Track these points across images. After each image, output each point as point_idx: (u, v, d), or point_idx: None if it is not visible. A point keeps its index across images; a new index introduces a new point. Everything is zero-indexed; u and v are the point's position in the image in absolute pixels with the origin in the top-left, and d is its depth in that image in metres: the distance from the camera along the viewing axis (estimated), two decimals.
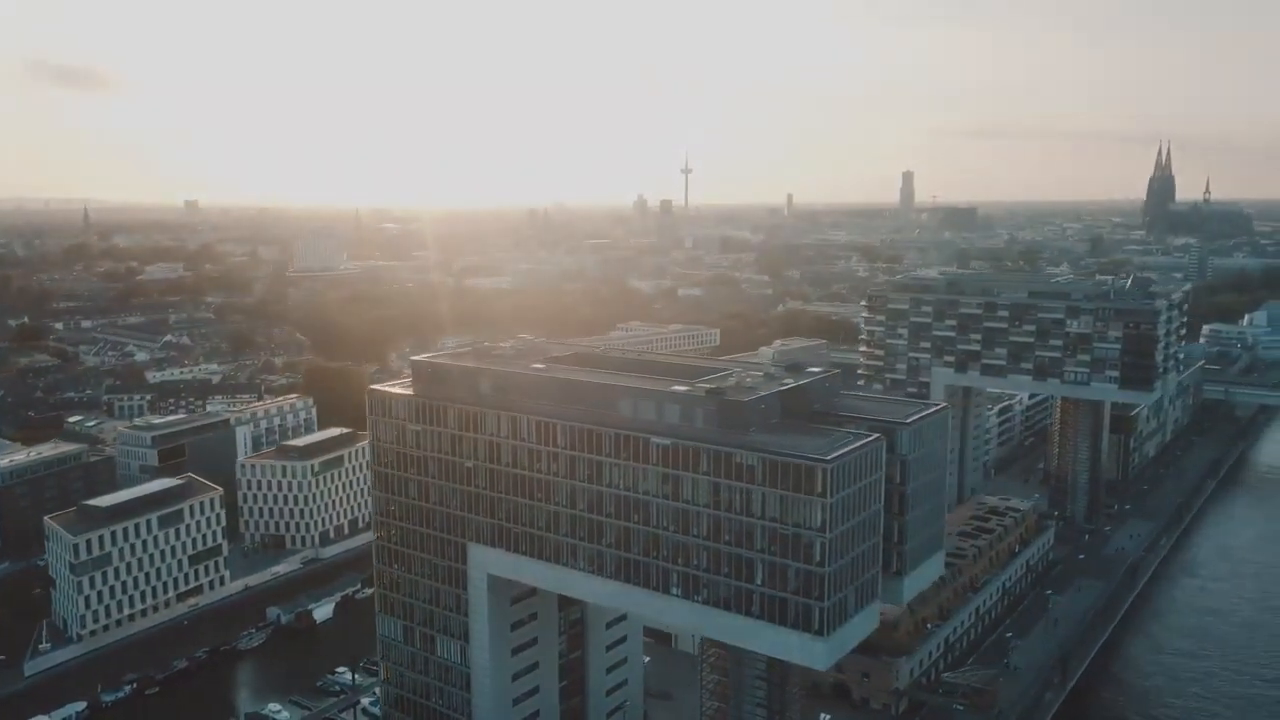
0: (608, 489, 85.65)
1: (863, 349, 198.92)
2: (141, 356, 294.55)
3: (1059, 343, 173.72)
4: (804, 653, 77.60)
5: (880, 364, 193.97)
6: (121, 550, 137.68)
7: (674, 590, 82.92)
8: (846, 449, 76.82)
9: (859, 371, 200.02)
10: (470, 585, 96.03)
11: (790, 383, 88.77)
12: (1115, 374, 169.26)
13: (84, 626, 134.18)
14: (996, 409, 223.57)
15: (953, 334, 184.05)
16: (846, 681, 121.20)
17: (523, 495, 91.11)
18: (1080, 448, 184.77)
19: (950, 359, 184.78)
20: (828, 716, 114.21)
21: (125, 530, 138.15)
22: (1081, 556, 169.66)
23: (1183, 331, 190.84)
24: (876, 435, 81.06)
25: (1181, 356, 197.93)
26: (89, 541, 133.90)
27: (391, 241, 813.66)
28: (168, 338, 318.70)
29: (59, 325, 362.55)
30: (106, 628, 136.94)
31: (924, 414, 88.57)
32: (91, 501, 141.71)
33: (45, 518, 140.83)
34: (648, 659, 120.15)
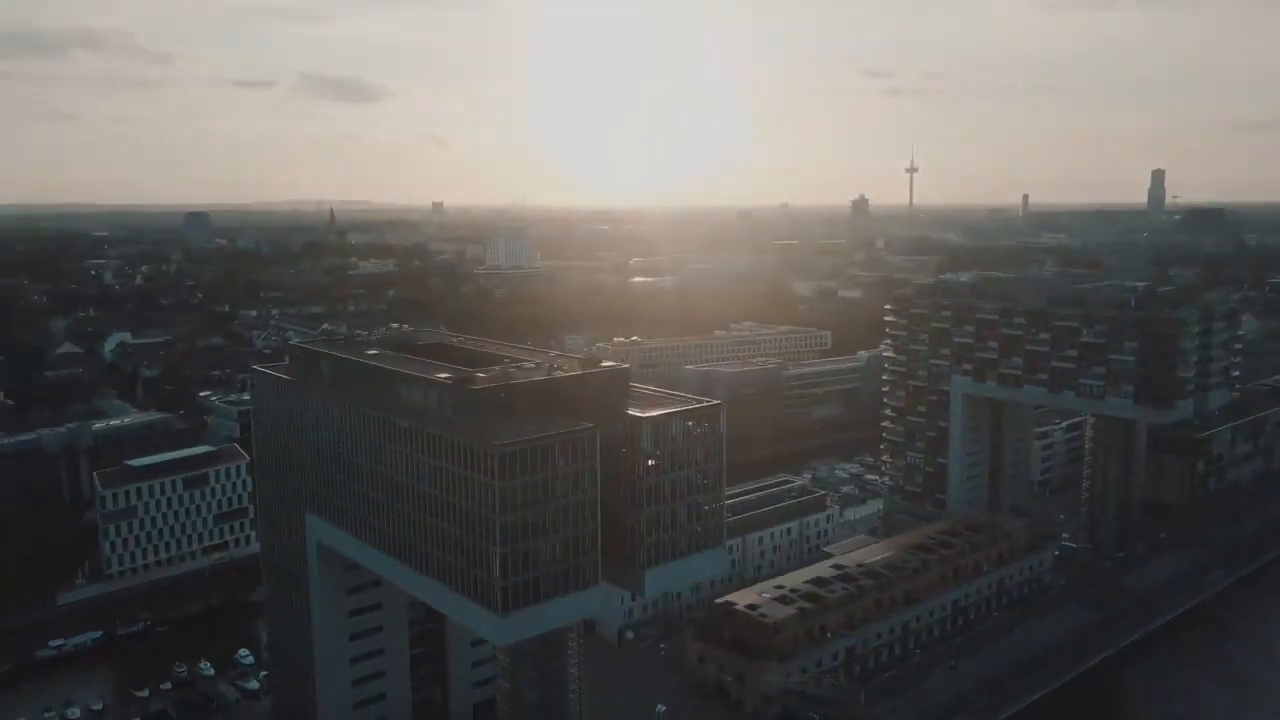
0: (376, 466, 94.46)
1: (888, 354, 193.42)
2: (294, 341, 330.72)
3: (1074, 353, 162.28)
4: (487, 628, 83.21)
5: (903, 370, 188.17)
6: (147, 504, 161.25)
7: (414, 563, 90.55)
8: (531, 438, 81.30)
9: (884, 377, 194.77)
10: (307, 553, 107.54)
11: (556, 375, 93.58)
12: (1130, 388, 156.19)
13: (110, 568, 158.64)
14: (1064, 424, 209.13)
15: (971, 340, 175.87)
16: (723, 681, 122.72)
17: (336, 470, 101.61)
18: (1110, 467, 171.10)
19: (969, 367, 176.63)
20: (663, 708, 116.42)
21: (151, 487, 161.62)
22: (1084, 583, 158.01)
23: (1237, 345, 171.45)
24: (588, 426, 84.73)
25: (1236, 374, 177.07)
26: (115, 495, 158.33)
27: (592, 241, 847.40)
28: (325, 326, 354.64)
29: (253, 313, 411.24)
30: (135, 570, 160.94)
31: (674, 411, 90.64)
32: (131, 461, 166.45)
33: (94, 472, 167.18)
34: None
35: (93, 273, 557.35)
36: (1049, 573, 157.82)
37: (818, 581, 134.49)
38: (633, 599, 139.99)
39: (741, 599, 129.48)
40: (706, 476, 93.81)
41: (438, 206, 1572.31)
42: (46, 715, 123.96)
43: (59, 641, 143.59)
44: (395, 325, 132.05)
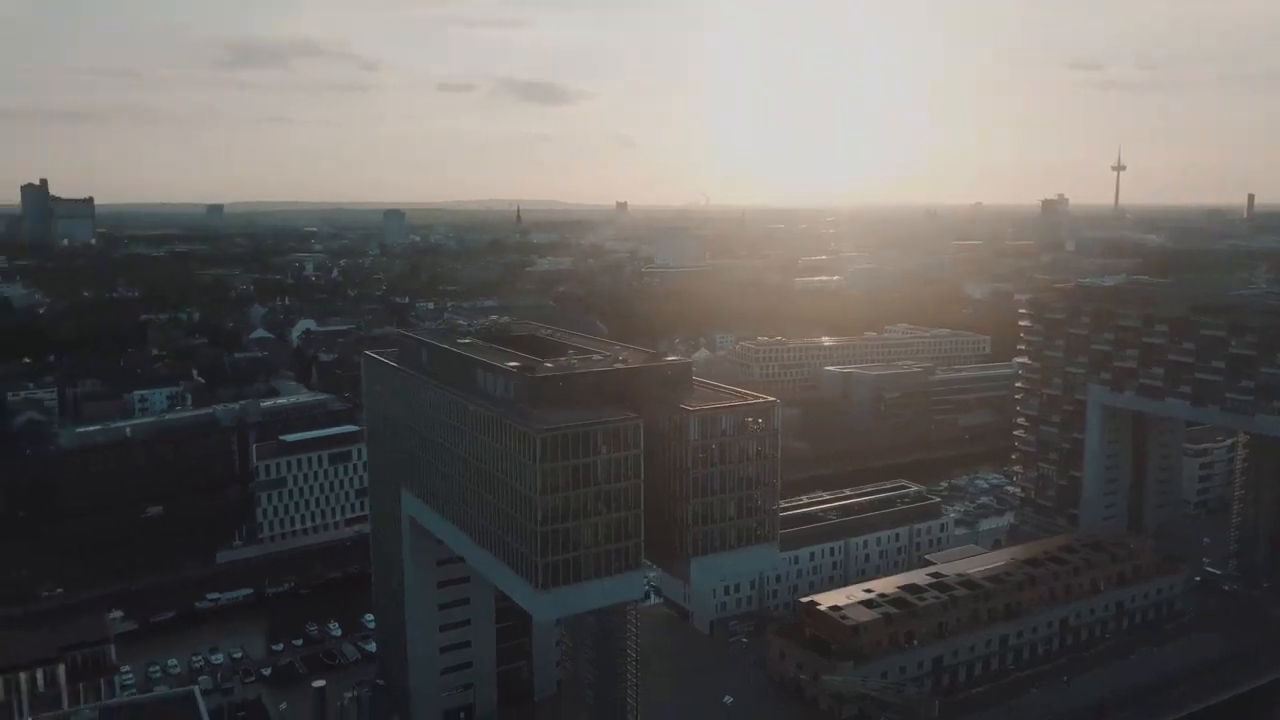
0: (452, 446, 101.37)
1: (1022, 360, 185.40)
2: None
3: (1220, 364, 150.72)
4: (530, 602, 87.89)
5: (1036, 377, 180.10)
6: (296, 476, 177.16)
7: (476, 537, 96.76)
8: (574, 424, 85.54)
9: (1017, 384, 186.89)
10: (401, 526, 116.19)
11: (615, 367, 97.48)
12: None
13: (263, 532, 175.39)
14: (1227, 441, 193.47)
15: (1109, 348, 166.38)
16: (799, 679, 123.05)
17: (423, 449, 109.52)
18: (1262, 489, 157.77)
19: (1107, 376, 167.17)
20: (730, 699, 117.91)
21: (300, 460, 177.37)
22: (1223, 612, 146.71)
23: None
24: (632, 416, 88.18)
25: None
26: (269, 466, 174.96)
27: (765, 240, 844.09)
28: (491, 318, 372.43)
29: (430, 304, 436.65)
30: (284, 536, 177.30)
31: (724, 405, 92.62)
32: (285, 436, 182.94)
33: (253, 445, 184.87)
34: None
35: (296, 265, 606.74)
36: (1181, 598, 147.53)
37: (909, 588, 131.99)
38: (726, 592, 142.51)
39: (826, 599, 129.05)
40: (759, 472, 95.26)
41: (621, 207, 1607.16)
42: (194, 659, 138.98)
43: (215, 595, 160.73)
44: (496, 318, 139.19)
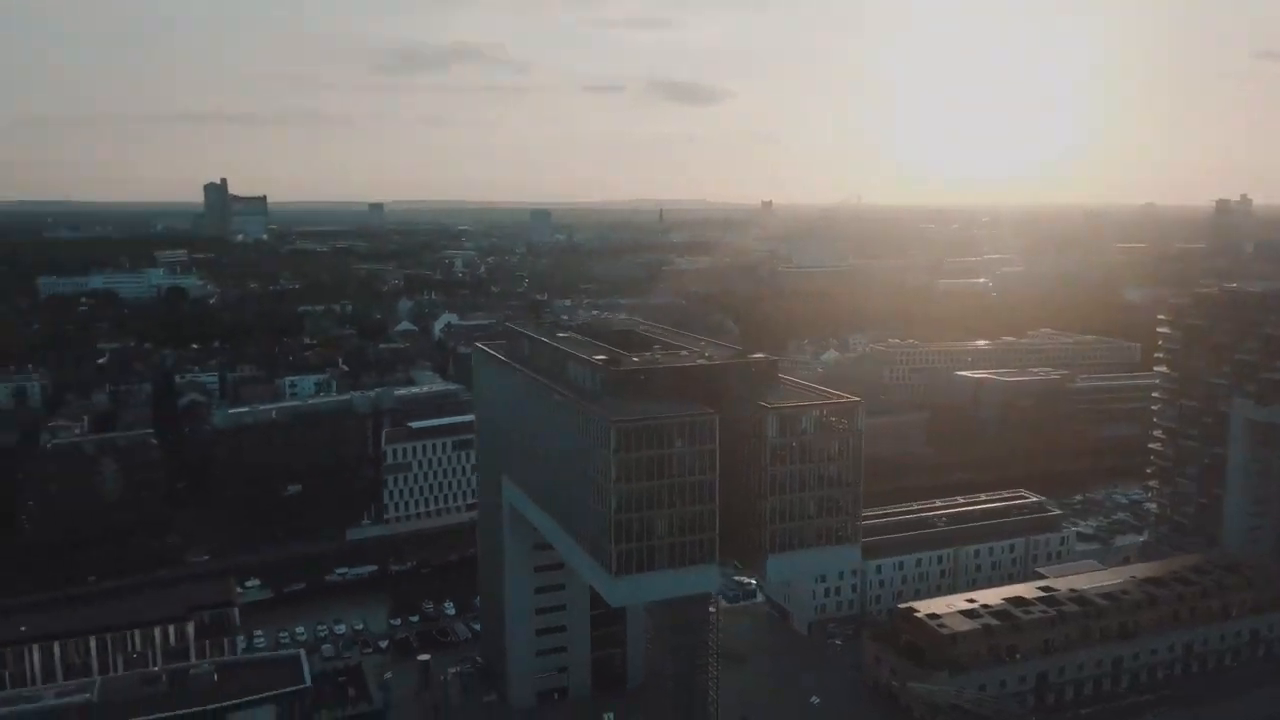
0: (543, 434, 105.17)
1: (1161, 369, 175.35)
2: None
3: None
4: (605, 588, 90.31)
5: (1175, 387, 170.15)
6: (421, 461, 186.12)
7: (561, 522, 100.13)
8: (650, 417, 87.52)
9: (1154, 394, 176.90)
10: (501, 511, 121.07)
11: (699, 363, 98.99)
12: None
13: (389, 513, 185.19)
14: None
15: (1255, 359, 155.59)
16: (891, 685, 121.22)
17: (520, 436, 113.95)
18: None
19: (1252, 389, 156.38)
20: (817, 700, 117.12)
21: (426, 446, 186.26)
22: None
23: None
24: (708, 411, 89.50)
25: None
26: (396, 450, 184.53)
27: (913, 240, 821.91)
28: (621, 315, 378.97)
29: (567, 302, 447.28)
30: (408, 518, 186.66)
31: (804, 404, 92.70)
32: (412, 423, 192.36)
33: (384, 430, 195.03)
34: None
35: (446, 261, 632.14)
36: None
37: (1015, 600, 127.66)
38: (825, 594, 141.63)
39: (925, 606, 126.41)
40: (841, 471, 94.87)
41: (766, 206, 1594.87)
42: (320, 628, 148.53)
43: (343, 570, 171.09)
44: (597, 313, 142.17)
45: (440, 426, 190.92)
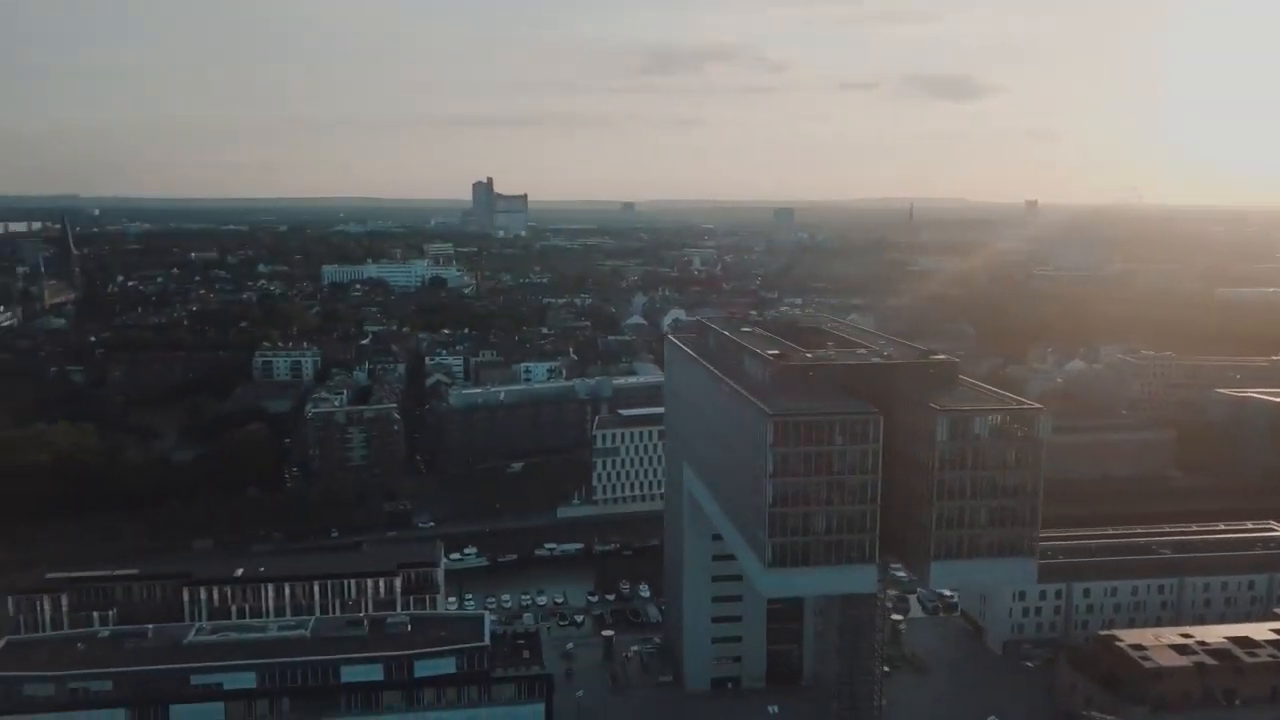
0: (717, 423, 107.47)
1: None
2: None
3: None
4: (758, 579, 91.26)
5: None
6: (628, 447, 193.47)
7: (727, 512, 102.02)
8: (810, 412, 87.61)
9: None
10: (682, 499, 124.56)
11: (873, 361, 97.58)
12: None
13: (597, 495, 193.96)
14: None
15: None
16: (1087, 715, 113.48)
17: (699, 425, 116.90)
18: None
19: None
20: (994, 718, 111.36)
21: (633, 434, 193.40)
22: None
23: None
24: (872, 410, 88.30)
25: None
26: (605, 435, 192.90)
27: (1195, 244, 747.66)
28: (851, 316, 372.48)
29: (798, 300, 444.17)
30: (615, 500, 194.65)
31: (977, 408, 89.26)
32: (623, 411, 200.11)
33: (597, 416, 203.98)
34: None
35: (685, 259, 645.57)
36: None
37: (1242, 640, 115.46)
38: (1024, 614, 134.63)
39: (1131, 636, 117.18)
40: (1018, 480, 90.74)
41: (1030, 205, 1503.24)
42: (523, 597, 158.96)
43: (551, 546, 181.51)
44: (786, 309, 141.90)
45: (648, 415, 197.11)
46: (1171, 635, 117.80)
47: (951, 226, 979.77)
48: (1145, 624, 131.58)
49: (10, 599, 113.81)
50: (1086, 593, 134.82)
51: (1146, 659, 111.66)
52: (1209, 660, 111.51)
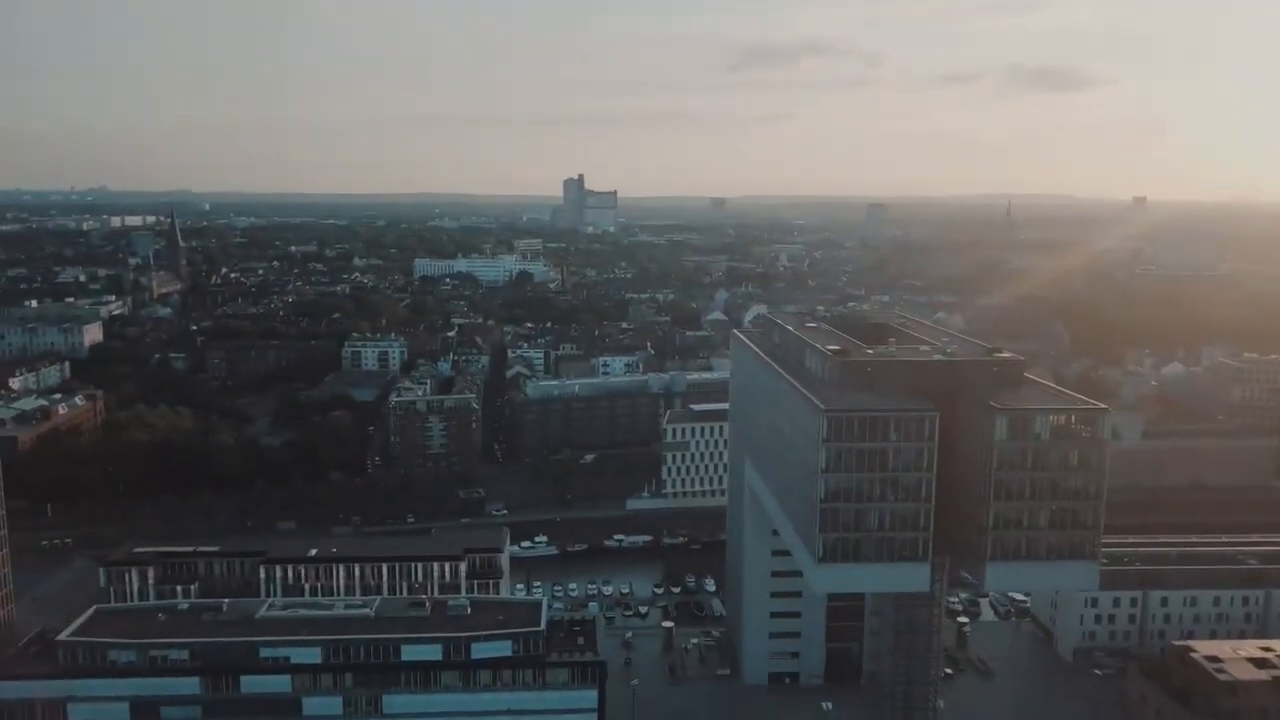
0: (775, 417, 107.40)
1: None
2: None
3: None
4: (810, 574, 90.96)
5: None
6: (697, 442, 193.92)
7: (783, 505, 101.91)
8: (865, 408, 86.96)
9: None
10: (743, 494, 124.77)
11: (934, 359, 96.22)
12: None
13: (666, 488, 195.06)
14: None
15: None
16: None
17: (760, 419, 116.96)
18: None
19: None
20: None
21: (703, 429, 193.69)
22: None
23: None
24: (928, 408, 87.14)
25: None
26: (675, 430, 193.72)
27: None
28: (939, 315, 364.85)
29: (885, 298, 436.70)
30: (684, 494, 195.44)
31: (1038, 407, 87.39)
32: (695, 406, 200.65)
33: (668, 411, 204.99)
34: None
35: (772, 255, 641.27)
36: None
37: None
38: (1097, 620, 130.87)
39: (1206, 648, 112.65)
40: (1081, 483, 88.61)
41: (1139, 201, 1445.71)
42: (590, 587, 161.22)
43: (620, 537, 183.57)
44: (854, 304, 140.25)
45: (718, 411, 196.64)
46: (1251, 648, 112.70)
47: (1052, 224, 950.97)
48: (1227, 636, 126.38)
49: (101, 570, 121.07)
50: (1164, 601, 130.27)
51: (1221, 671, 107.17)
52: None
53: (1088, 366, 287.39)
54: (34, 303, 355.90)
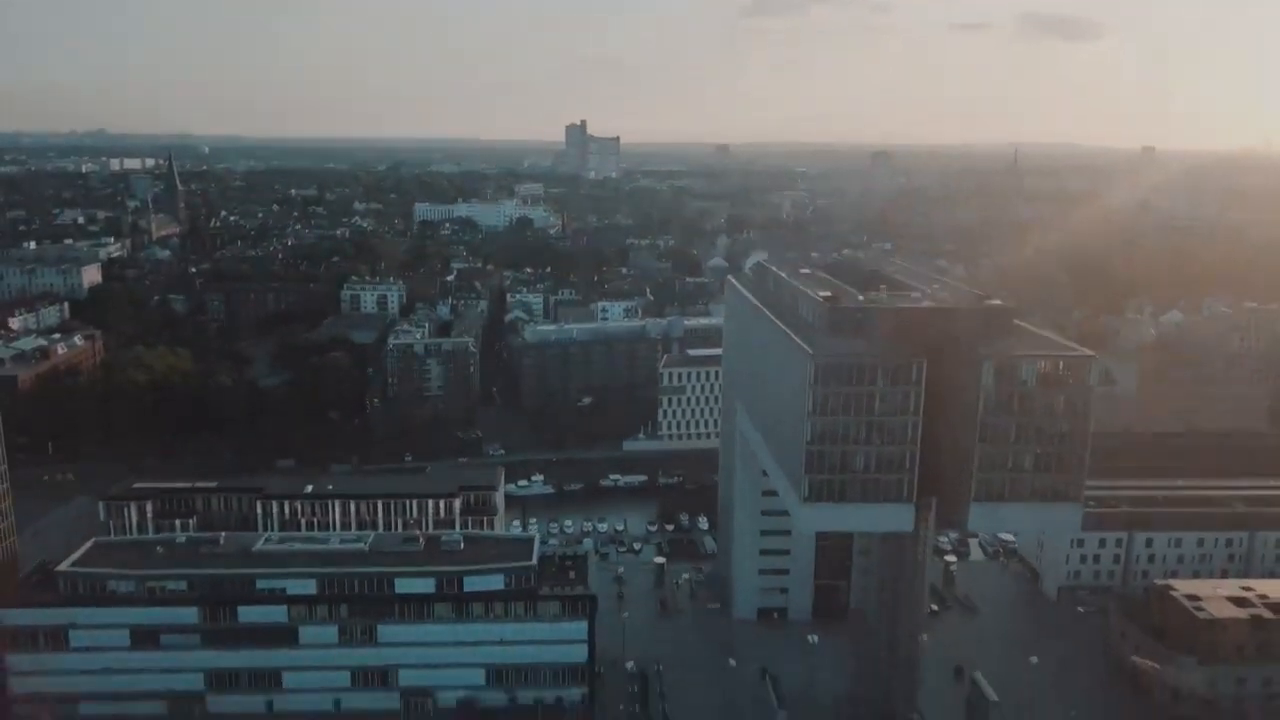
0: (765, 363, 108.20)
1: None
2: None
3: None
4: (796, 514, 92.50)
5: None
6: (694, 386, 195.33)
7: (771, 448, 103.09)
8: (852, 354, 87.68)
9: None
10: (735, 436, 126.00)
11: (923, 305, 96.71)
12: None
13: (662, 431, 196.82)
14: None
15: None
16: (1136, 664, 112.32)
17: (750, 365, 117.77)
18: None
19: None
20: (1035, 659, 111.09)
21: (699, 373, 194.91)
22: None
23: None
24: (916, 354, 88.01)
25: None
26: (671, 374, 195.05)
27: None
28: (939, 263, 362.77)
29: (887, 245, 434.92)
30: (679, 436, 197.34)
31: (1025, 354, 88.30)
32: (691, 351, 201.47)
33: (664, 355, 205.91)
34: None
35: (775, 202, 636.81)
36: None
37: None
38: (1082, 560, 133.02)
39: (1187, 586, 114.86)
40: (1066, 427, 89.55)
41: (1147, 151, 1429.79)
42: (585, 524, 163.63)
43: (616, 477, 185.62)
44: (850, 252, 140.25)
45: (714, 356, 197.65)
46: (1231, 588, 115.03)
47: (1059, 172, 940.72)
48: (1210, 577, 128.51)
49: (101, 505, 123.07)
50: (1149, 543, 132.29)
51: (1200, 609, 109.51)
52: (1268, 614, 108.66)
53: (1088, 315, 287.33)
54: (33, 244, 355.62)
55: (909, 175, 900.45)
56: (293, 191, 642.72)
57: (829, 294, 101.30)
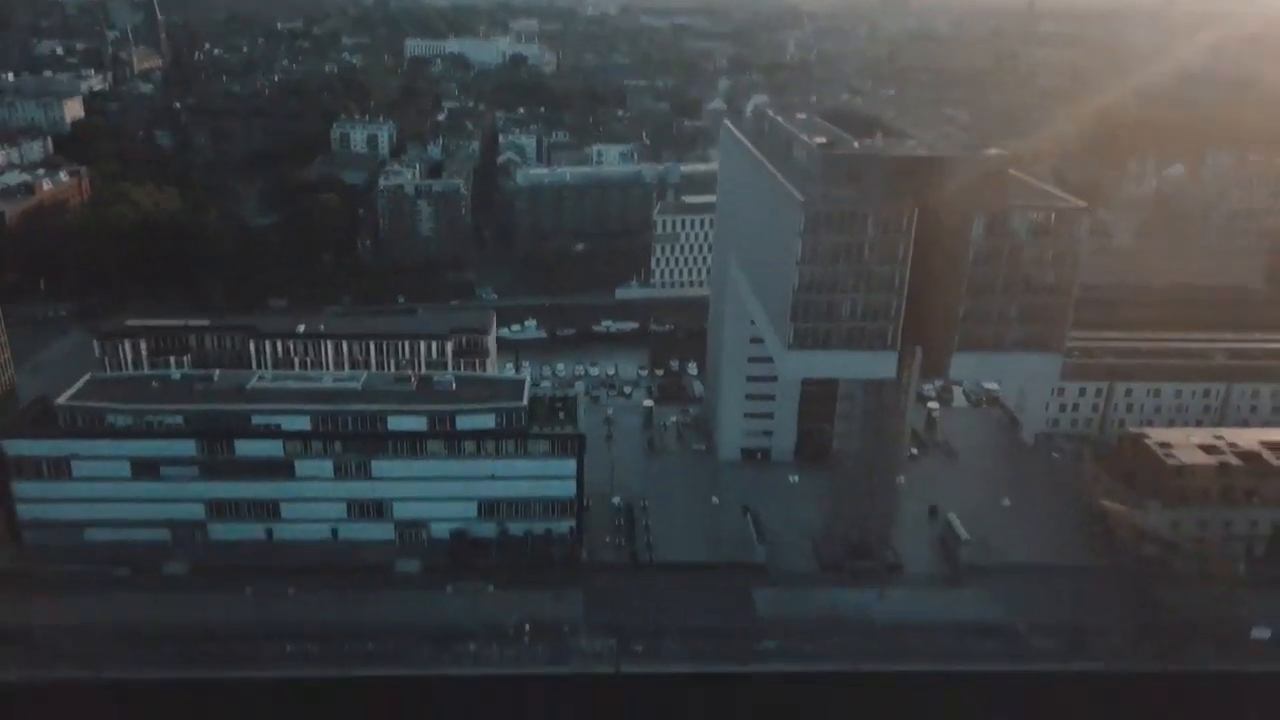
0: (757, 210, 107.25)
1: None
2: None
3: None
4: (780, 360, 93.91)
5: None
6: (688, 234, 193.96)
7: (759, 296, 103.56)
8: (843, 202, 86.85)
9: None
10: (726, 284, 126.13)
11: (917, 154, 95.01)
12: None
13: (655, 278, 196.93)
14: None
15: None
16: (1105, 507, 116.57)
17: (742, 211, 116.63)
18: None
19: None
20: (1008, 502, 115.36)
21: (693, 220, 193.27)
22: None
23: None
24: (907, 202, 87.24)
25: None
26: (665, 221, 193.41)
27: None
28: (945, 110, 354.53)
29: (892, 90, 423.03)
30: (672, 285, 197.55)
31: (1015, 205, 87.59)
32: (686, 198, 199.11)
33: (658, 201, 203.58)
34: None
35: (780, 42, 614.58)
36: None
37: (1275, 445, 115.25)
38: (1061, 409, 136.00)
39: (1159, 434, 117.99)
40: (1053, 279, 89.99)
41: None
42: (577, 368, 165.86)
43: (608, 323, 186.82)
44: (848, 97, 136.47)
45: (709, 203, 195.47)
46: (1203, 436, 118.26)
47: (1077, 17, 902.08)
48: (1184, 426, 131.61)
49: (95, 341, 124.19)
50: (1128, 392, 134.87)
51: (1170, 456, 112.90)
52: (1234, 461, 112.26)
53: (1091, 166, 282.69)
54: (10, 75, 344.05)
55: (921, 17, 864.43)
56: (278, 24, 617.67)
57: (824, 140, 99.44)
